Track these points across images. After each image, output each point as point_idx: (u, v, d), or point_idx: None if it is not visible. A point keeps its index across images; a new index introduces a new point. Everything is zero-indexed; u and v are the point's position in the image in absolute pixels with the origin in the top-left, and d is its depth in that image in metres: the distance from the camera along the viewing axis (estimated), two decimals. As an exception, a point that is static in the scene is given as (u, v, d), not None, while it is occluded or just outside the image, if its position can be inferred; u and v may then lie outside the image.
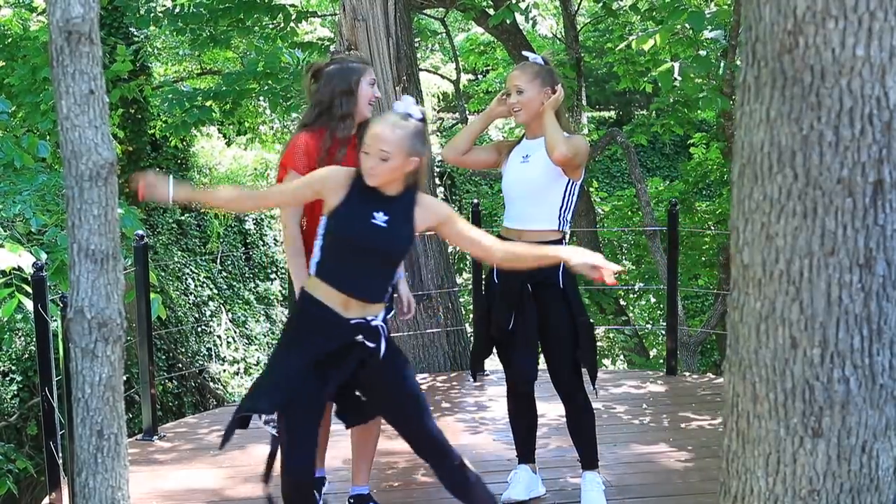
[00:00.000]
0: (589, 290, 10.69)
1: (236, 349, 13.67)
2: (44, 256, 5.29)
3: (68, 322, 2.63)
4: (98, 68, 2.56)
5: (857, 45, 1.99)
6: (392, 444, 4.44)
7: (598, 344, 12.77)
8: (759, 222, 2.15)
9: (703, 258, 11.92)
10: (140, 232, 5.21)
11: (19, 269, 4.99)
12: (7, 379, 9.85)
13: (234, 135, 15.23)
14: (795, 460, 2.16)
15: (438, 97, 18.49)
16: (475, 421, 5.45)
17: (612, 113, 21.93)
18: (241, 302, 14.27)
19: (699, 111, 10.89)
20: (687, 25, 7.59)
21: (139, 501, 4.28)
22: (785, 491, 2.18)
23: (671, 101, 10.47)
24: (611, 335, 13.91)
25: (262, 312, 14.39)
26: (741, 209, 2.21)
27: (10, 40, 9.10)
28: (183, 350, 12.55)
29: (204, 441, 5.18)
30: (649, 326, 13.18)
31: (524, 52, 4.45)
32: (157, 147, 12.95)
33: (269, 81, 9.00)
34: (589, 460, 4.10)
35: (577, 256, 3.20)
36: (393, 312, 4.02)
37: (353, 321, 3.15)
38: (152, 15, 9.07)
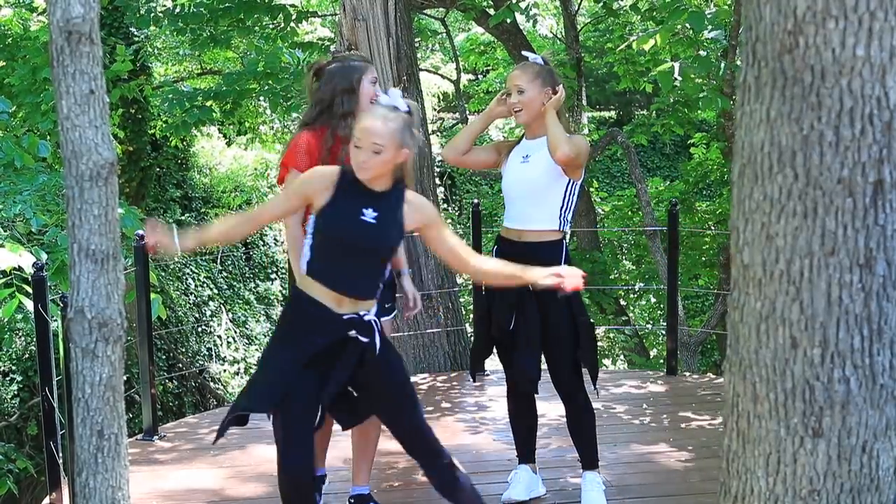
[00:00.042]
0: (589, 290, 10.69)
1: (236, 349, 13.68)
2: (44, 256, 5.29)
3: (69, 322, 2.63)
4: (98, 68, 2.56)
5: (858, 45, 1.99)
6: (392, 444, 4.42)
7: (599, 344, 12.78)
8: (759, 222, 2.15)
9: (704, 258, 11.92)
10: (140, 232, 5.21)
11: (20, 269, 4.99)
12: (7, 379, 9.85)
13: (235, 135, 15.24)
14: (796, 460, 2.16)
15: (439, 97, 18.49)
16: (475, 421, 5.45)
17: (613, 113, 21.94)
18: (241, 302, 14.27)
19: (699, 111, 10.89)
20: (687, 25, 7.58)
21: (139, 501, 4.28)
22: (785, 491, 2.18)
23: (671, 101, 10.47)
24: (611, 335, 13.91)
25: (263, 312, 14.39)
26: (741, 209, 2.21)
27: (10, 40, 9.10)
28: (183, 350, 12.55)
29: (204, 441, 5.18)
30: (649, 326, 13.18)
31: (524, 52, 4.44)
32: (157, 147, 12.95)
33: (270, 81, 8.99)
34: (589, 460, 4.10)
35: (544, 275, 3.24)
36: (396, 313, 4.03)
37: (345, 316, 3.16)
38: (152, 15, 9.07)
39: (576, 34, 11.50)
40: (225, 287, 14.12)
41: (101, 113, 2.58)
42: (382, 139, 3.09)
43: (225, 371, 13.32)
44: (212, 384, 12.74)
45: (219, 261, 14.14)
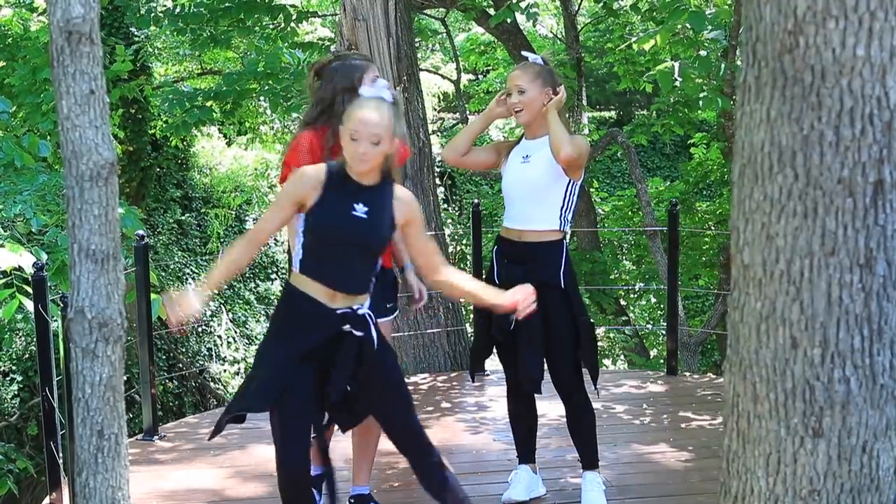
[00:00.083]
0: (589, 290, 10.70)
1: (237, 349, 13.68)
2: (44, 256, 5.29)
3: (69, 322, 2.63)
4: (98, 68, 2.56)
5: (858, 45, 1.99)
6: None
7: (599, 344, 12.78)
8: (759, 222, 2.15)
9: (704, 258, 11.92)
10: (140, 232, 5.21)
11: (20, 269, 4.99)
12: (7, 379, 9.86)
13: (235, 135, 15.23)
14: (796, 460, 2.16)
15: (439, 97, 18.47)
16: (475, 421, 5.45)
17: (613, 113, 21.93)
18: (241, 302, 14.27)
19: (699, 111, 10.88)
20: (687, 25, 7.58)
21: (139, 501, 4.28)
22: (785, 491, 2.18)
23: (672, 101, 10.46)
24: (611, 335, 13.91)
25: (263, 312, 14.39)
26: (741, 209, 2.21)
27: (10, 40, 9.10)
28: (183, 350, 12.55)
29: (204, 441, 5.18)
30: (650, 326, 13.18)
31: (524, 53, 4.44)
32: (157, 147, 12.95)
33: (270, 81, 8.99)
34: (589, 460, 4.10)
35: (502, 301, 3.26)
36: (397, 313, 4.03)
37: (339, 311, 3.16)
38: (153, 15, 9.07)
39: (576, 34, 11.50)
40: (225, 287, 14.12)
41: (101, 113, 2.58)
42: (380, 129, 3.10)
43: (225, 371, 13.32)
44: (212, 384, 12.74)
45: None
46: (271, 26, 9.36)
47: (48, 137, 7.02)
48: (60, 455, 4.35)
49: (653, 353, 12.60)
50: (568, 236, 4.01)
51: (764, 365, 2.17)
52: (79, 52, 2.52)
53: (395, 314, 3.98)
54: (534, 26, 10.55)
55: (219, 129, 14.96)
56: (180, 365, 12.03)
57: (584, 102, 12.25)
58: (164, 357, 11.73)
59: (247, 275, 14.76)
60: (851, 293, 2.08)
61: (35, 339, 4.62)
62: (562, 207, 3.92)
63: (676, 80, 7.50)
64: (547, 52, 11.36)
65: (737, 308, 2.25)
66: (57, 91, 2.56)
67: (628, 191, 13.63)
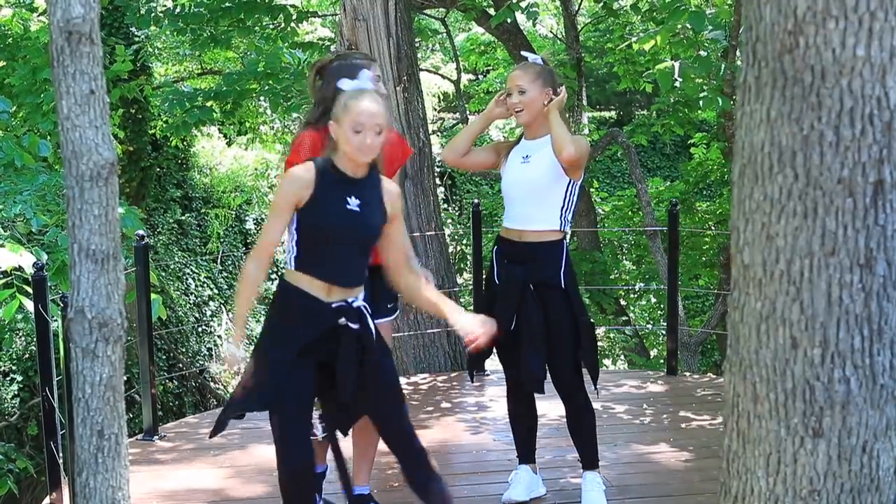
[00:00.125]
0: (589, 290, 10.70)
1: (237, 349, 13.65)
2: (44, 256, 5.29)
3: (69, 322, 2.63)
4: (98, 68, 2.56)
5: (858, 46, 1.99)
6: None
7: (599, 344, 12.78)
8: (759, 222, 2.15)
9: (704, 258, 11.92)
10: (140, 232, 5.21)
11: (20, 269, 4.99)
12: (7, 379, 9.85)
13: (235, 135, 15.24)
14: (796, 460, 2.16)
15: (439, 97, 18.48)
16: (475, 421, 5.45)
17: (613, 113, 21.93)
18: (241, 302, 14.24)
19: (700, 111, 10.89)
20: (688, 25, 7.58)
21: (140, 501, 4.28)
22: (785, 491, 2.18)
23: (672, 101, 10.46)
24: (611, 335, 13.91)
25: (263, 312, 14.37)
26: (742, 209, 2.21)
27: (10, 40, 9.09)
28: (183, 350, 12.55)
29: (205, 441, 5.18)
30: (650, 326, 13.18)
31: (523, 53, 4.44)
32: (157, 147, 12.95)
33: (270, 81, 8.99)
34: (589, 460, 4.10)
35: (464, 322, 3.25)
36: (398, 313, 4.03)
37: (334, 304, 3.16)
38: (153, 15, 9.07)
39: (576, 34, 11.49)
40: (225, 287, 14.12)
41: (101, 113, 2.57)
42: (381, 119, 3.14)
43: (225, 371, 13.32)
44: (212, 384, 12.73)
45: (219, 261, 14.14)
46: (271, 26, 9.36)
47: (48, 137, 7.02)
48: (60, 455, 4.35)
49: (653, 353, 12.60)
50: (568, 236, 4.01)
51: (764, 365, 2.17)
52: (79, 52, 2.52)
53: (395, 314, 3.98)
54: (534, 26, 10.54)
55: (219, 129, 14.96)
56: (180, 365, 12.02)
57: (584, 102, 12.24)
58: (164, 357, 11.73)
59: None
60: (851, 293, 2.08)
61: (35, 339, 4.62)
62: (562, 207, 3.92)
63: (676, 80, 7.50)
64: (547, 52, 11.37)
65: (737, 308, 2.25)
66: (57, 91, 2.56)
67: (628, 191, 13.63)
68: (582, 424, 4.06)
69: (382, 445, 4.07)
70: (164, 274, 12.51)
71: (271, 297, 3.41)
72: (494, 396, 5.84)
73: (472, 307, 7.38)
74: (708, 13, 8.30)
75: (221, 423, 3.27)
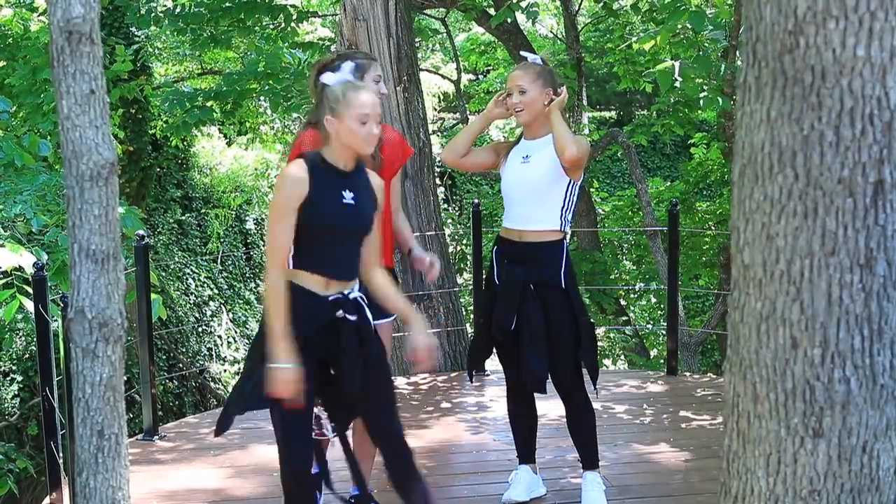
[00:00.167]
0: (589, 290, 10.70)
1: (237, 349, 13.68)
2: (45, 256, 5.29)
3: (69, 322, 2.63)
4: (99, 68, 2.56)
5: (858, 46, 1.99)
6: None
7: (599, 344, 12.78)
8: (759, 222, 2.15)
9: (704, 258, 11.93)
10: (141, 232, 5.21)
11: (20, 269, 4.99)
12: (7, 379, 9.85)
13: (235, 135, 15.24)
14: (796, 460, 2.16)
15: (439, 97, 18.49)
16: (475, 421, 5.45)
17: (613, 113, 21.94)
18: (241, 302, 14.27)
19: (700, 111, 10.89)
20: (688, 25, 7.58)
21: (140, 501, 4.28)
22: (785, 491, 2.18)
23: (672, 101, 10.47)
24: (611, 335, 13.91)
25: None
26: (742, 209, 2.21)
27: (10, 40, 9.10)
28: (183, 350, 12.55)
29: (205, 441, 5.18)
30: (650, 326, 13.18)
31: (522, 53, 4.44)
32: (157, 147, 12.95)
33: (270, 81, 9.00)
34: (589, 460, 4.10)
35: (416, 341, 3.24)
36: (396, 316, 4.03)
37: (331, 298, 3.17)
38: (153, 15, 9.07)
39: (576, 34, 11.50)
40: (225, 287, 14.12)
41: (101, 113, 2.57)
42: (379, 109, 3.18)
43: (225, 371, 13.32)
44: (212, 384, 12.74)
45: (219, 261, 14.15)
46: (271, 26, 9.36)
47: (48, 137, 7.02)
48: (60, 455, 4.35)
49: (653, 353, 12.61)
50: (568, 236, 4.01)
51: (764, 365, 2.17)
52: (79, 52, 2.52)
53: (395, 315, 3.98)
54: (533, 25, 10.53)
55: (219, 129, 14.97)
56: (180, 365, 12.03)
57: (585, 102, 12.24)
58: (164, 357, 11.73)
59: (247, 275, 14.76)
60: (851, 293, 2.08)
61: (35, 339, 4.62)
62: (562, 207, 3.92)
63: (676, 80, 7.50)
64: (547, 52, 11.37)
65: (737, 308, 2.25)
66: (57, 91, 2.56)
67: (628, 191, 13.64)
68: (582, 424, 4.06)
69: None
70: (164, 274, 12.51)
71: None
72: (494, 396, 5.84)
73: (472, 307, 7.39)
74: (708, 13, 8.30)
75: (226, 422, 3.26)
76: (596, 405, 4.22)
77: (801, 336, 2.11)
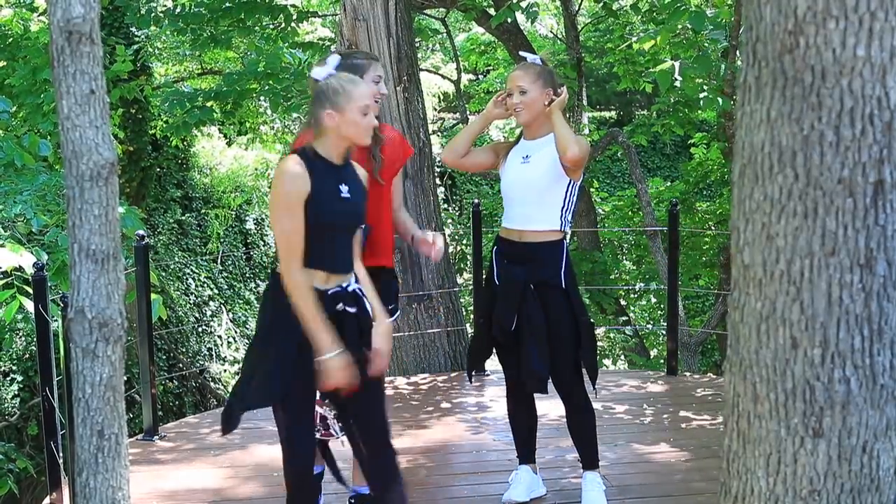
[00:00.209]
0: (589, 290, 10.70)
1: (237, 349, 13.68)
2: (45, 256, 5.29)
3: (69, 322, 2.63)
4: (99, 68, 2.56)
5: (858, 46, 1.99)
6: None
7: (599, 344, 12.78)
8: (759, 222, 2.15)
9: (704, 258, 11.93)
10: (141, 232, 5.21)
11: (20, 269, 4.99)
12: (8, 379, 9.85)
13: (235, 135, 15.24)
14: (796, 460, 2.16)
15: (439, 97, 18.49)
16: (475, 421, 5.45)
17: (613, 113, 21.95)
18: (241, 302, 14.27)
19: (700, 111, 10.89)
20: (688, 25, 7.58)
21: (140, 501, 4.28)
22: (785, 491, 2.18)
23: (672, 101, 10.47)
24: (611, 335, 13.91)
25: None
26: (742, 209, 2.21)
27: (10, 41, 9.10)
28: (183, 350, 12.55)
29: (205, 441, 5.18)
30: (650, 326, 13.18)
31: (522, 53, 4.44)
32: (157, 147, 12.95)
33: (270, 81, 8.99)
34: (589, 460, 4.10)
35: (378, 339, 3.23)
36: (398, 314, 4.03)
37: (330, 291, 3.16)
38: (153, 15, 9.07)
39: (576, 34, 11.50)
40: (225, 287, 14.12)
41: (101, 113, 2.57)
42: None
43: (225, 371, 13.32)
44: (212, 384, 12.74)
45: (219, 261, 14.15)
46: (271, 26, 9.36)
47: (48, 137, 7.02)
48: (60, 455, 4.35)
49: (653, 353, 12.61)
50: (568, 236, 4.01)
51: (764, 365, 2.17)
52: (79, 52, 2.52)
53: (395, 315, 3.98)
54: (532, 24, 10.53)
55: (219, 129, 14.97)
56: (180, 365, 12.03)
57: (585, 102, 12.24)
58: (164, 357, 11.73)
59: (247, 275, 14.76)
60: (852, 293, 2.08)
61: (35, 339, 4.62)
62: (562, 207, 3.92)
63: (676, 80, 7.50)
64: (547, 52, 11.36)
65: (737, 308, 2.25)
66: (57, 91, 2.56)
67: (628, 191, 13.64)
68: (582, 424, 4.06)
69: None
70: (164, 274, 12.51)
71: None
72: (494, 396, 5.84)
73: (472, 307, 7.39)
74: (708, 13, 8.30)
75: (234, 420, 3.23)
76: (596, 405, 4.22)
77: (801, 336, 2.11)
